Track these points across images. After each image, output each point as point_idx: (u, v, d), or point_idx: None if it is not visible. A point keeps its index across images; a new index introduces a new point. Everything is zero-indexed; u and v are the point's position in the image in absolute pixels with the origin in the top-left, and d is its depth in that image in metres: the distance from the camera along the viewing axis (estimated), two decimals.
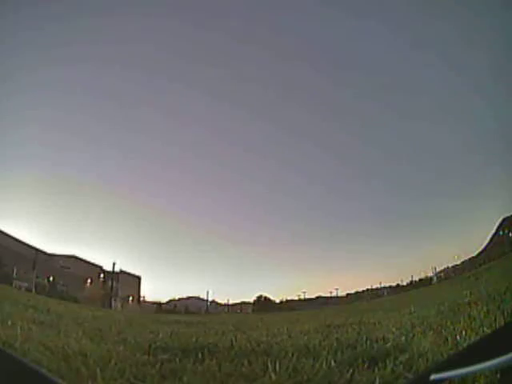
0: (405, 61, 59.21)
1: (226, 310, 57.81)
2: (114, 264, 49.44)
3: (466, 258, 61.01)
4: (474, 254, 60.56)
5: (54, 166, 66.72)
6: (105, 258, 61.59)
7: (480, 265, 49.08)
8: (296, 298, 64.88)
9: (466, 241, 78.21)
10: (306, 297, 65.42)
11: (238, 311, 55.70)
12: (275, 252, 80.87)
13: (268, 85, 73.52)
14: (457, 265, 63.14)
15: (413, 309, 11.68)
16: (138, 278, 55.63)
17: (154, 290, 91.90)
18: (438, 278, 63.88)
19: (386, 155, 73.43)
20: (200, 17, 62.56)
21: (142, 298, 54.96)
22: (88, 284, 47.82)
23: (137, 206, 73.26)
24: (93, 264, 50.97)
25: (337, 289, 68.18)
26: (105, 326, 8.68)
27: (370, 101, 67.66)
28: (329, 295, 65.23)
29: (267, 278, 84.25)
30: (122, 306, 44.16)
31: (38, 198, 56.48)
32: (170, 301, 58.60)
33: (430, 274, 66.02)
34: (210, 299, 60.87)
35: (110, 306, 42.49)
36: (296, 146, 77.99)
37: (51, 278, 41.60)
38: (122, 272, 52.55)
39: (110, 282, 48.89)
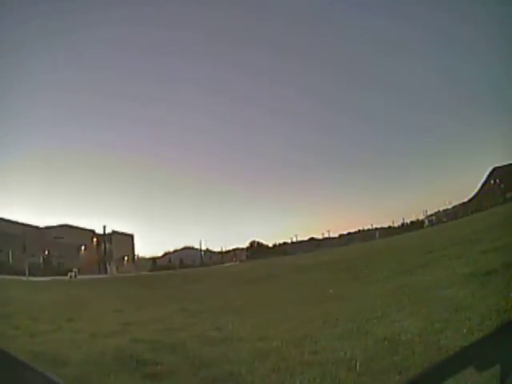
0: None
1: (220, 257, 59.49)
2: (104, 227, 50.04)
3: (457, 203, 62.39)
4: (466, 200, 62.02)
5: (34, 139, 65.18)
6: (97, 221, 62.46)
7: (472, 212, 50.47)
8: (289, 241, 65.69)
9: (457, 187, 79.20)
10: (299, 239, 66.28)
11: (234, 260, 57.03)
12: (266, 196, 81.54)
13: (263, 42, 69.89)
14: (448, 209, 64.53)
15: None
16: (131, 237, 56.69)
17: (148, 246, 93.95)
18: (429, 221, 65.25)
19: (380, 97, 71.76)
20: None
21: (136, 256, 56.48)
22: (82, 251, 49.00)
23: (121, 163, 72.51)
24: (85, 229, 51.68)
25: (329, 231, 69.54)
26: None
27: (362, 41, 64.89)
28: (321, 237, 66.25)
29: (259, 223, 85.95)
30: (117, 269, 45.56)
31: (21, 174, 56.09)
32: (166, 254, 60.11)
33: (422, 218, 67.47)
34: (204, 248, 61.77)
35: (106, 271, 43.74)
36: (281, 90, 75.58)
37: (46, 253, 42.13)
38: (114, 233, 53.40)
39: (101, 244, 49.88)
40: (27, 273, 28.87)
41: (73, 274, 32.65)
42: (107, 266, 44.11)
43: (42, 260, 39.48)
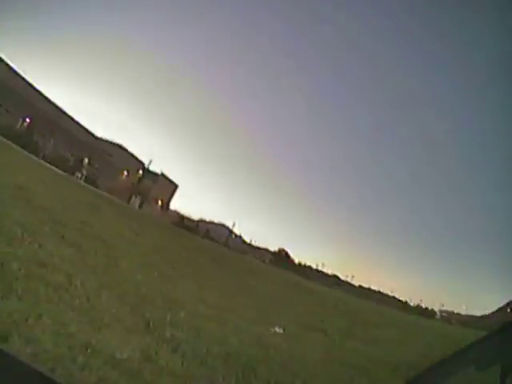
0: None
1: (245, 248, 56.59)
2: (150, 161, 48.22)
3: (470, 313, 57.47)
4: (478, 315, 56.14)
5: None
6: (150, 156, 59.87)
7: (479, 327, 45.38)
8: (314, 266, 63.95)
9: (475, 301, 73.14)
10: (323, 270, 63.67)
11: (257, 258, 52.58)
12: (318, 214, 74.75)
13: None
14: (460, 314, 60.50)
15: None
16: (175, 186, 54.77)
17: (186, 204, 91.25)
18: (441, 315, 62.81)
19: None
20: None
21: (168, 206, 53.81)
22: (124, 176, 47.04)
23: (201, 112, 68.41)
24: (136, 158, 49.91)
25: (352, 276, 64.78)
26: None
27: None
28: (343, 278, 63.34)
29: (298, 234, 79.62)
30: (139, 206, 42.98)
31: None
32: (200, 221, 56.55)
33: (435, 308, 64.48)
34: (237, 232, 59.80)
35: (129, 201, 41.40)
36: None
37: (86, 160, 39.61)
38: (162, 175, 51.40)
39: (144, 180, 48.04)
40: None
41: (79, 175, 31.21)
42: (132, 198, 41.73)
43: (73, 162, 37.19)
